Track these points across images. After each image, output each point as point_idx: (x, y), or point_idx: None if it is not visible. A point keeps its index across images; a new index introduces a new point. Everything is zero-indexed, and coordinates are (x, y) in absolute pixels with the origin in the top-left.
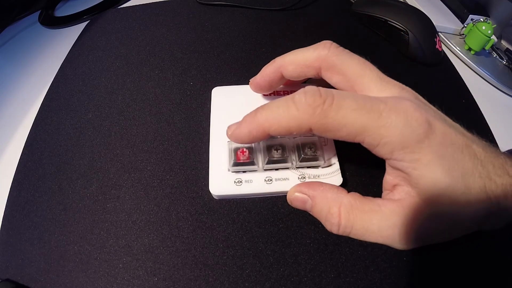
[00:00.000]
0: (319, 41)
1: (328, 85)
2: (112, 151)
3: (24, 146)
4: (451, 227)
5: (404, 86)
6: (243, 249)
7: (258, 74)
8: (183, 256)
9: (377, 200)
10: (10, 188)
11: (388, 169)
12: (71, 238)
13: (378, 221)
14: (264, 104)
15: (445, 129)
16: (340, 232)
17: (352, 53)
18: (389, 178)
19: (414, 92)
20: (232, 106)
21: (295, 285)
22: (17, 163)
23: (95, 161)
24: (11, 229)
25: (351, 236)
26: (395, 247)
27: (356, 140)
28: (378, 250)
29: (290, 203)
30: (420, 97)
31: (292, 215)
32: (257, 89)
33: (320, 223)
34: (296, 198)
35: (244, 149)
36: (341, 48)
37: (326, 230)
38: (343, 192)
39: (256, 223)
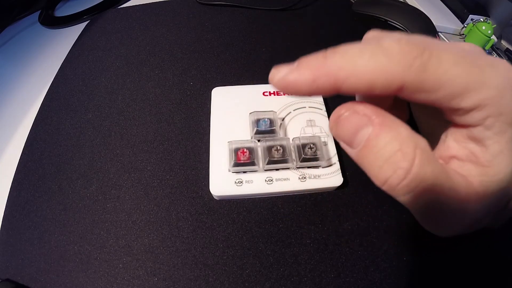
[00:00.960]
0: (319, 41)
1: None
2: (112, 151)
3: (24, 146)
4: (498, 216)
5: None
6: (243, 249)
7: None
8: (183, 256)
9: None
10: (10, 188)
11: (457, 135)
12: (71, 238)
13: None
14: (337, 48)
15: None
16: (402, 185)
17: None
18: (453, 145)
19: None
20: (232, 106)
21: (295, 285)
22: (17, 163)
23: (95, 161)
24: (11, 229)
25: (405, 198)
26: (439, 235)
27: (454, 103)
28: (378, 250)
29: (332, 128)
30: None
31: (292, 215)
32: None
33: (321, 224)
34: (350, 119)
35: (245, 150)
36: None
37: (326, 230)
38: (419, 135)
39: (256, 223)
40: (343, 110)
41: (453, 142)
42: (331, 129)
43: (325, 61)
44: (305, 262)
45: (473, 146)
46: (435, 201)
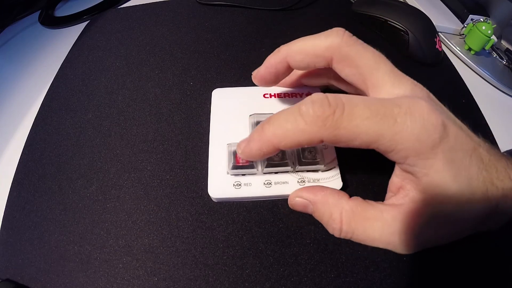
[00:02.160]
0: None
1: (336, 76)
2: (112, 151)
3: (24, 146)
4: (451, 231)
5: (416, 82)
6: (243, 249)
7: (262, 66)
8: (183, 256)
9: (379, 205)
10: (10, 188)
11: (396, 171)
12: (71, 238)
13: (379, 228)
14: (270, 118)
15: (457, 131)
16: (342, 236)
17: (365, 44)
18: (396, 180)
19: (425, 89)
20: (232, 108)
21: (295, 285)
22: (17, 163)
23: (95, 161)
24: (11, 229)
25: (352, 240)
26: (397, 252)
27: (370, 147)
28: (378, 250)
29: (291, 207)
30: (431, 95)
31: (292, 215)
32: (261, 82)
33: (320, 224)
34: (297, 203)
35: None
36: (355, 37)
37: (326, 230)
38: (344, 197)
39: (256, 223)
40: (294, 195)
41: (399, 174)
42: (290, 206)
43: (262, 133)
44: (305, 262)
45: (410, 177)
46: (369, 233)
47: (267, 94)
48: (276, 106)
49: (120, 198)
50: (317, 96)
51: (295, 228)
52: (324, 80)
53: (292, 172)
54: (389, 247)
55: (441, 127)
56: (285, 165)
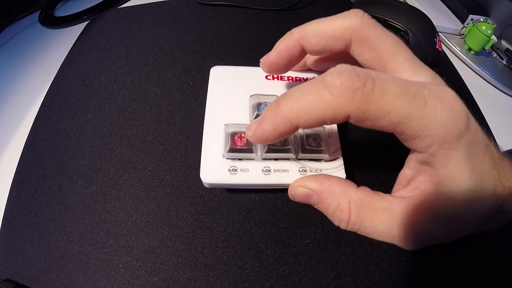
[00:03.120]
0: None
1: (350, 60)
2: (112, 151)
3: (24, 146)
4: (458, 228)
5: (434, 72)
6: (243, 249)
7: (272, 51)
8: (183, 256)
9: (388, 196)
10: (10, 188)
11: (410, 163)
12: (71, 238)
13: (388, 220)
14: (286, 92)
15: (476, 125)
16: (349, 228)
17: (385, 28)
18: (408, 172)
19: (443, 80)
20: (232, 88)
21: (295, 285)
22: (17, 163)
23: (95, 161)
24: (11, 229)
25: (359, 232)
26: (401, 247)
27: (397, 130)
28: (378, 250)
29: (291, 198)
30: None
31: (292, 215)
32: (272, 69)
33: (321, 224)
34: (300, 193)
35: (242, 134)
36: (374, 20)
37: (326, 230)
38: (352, 187)
39: (256, 223)
40: (296, 184)
41: (414, 166)
42: (291, 197)
43: (278, 109)
44: (305, 262)
45: (426, 169)
46: (377, 225)
47: (270, 75)
48: (280, 88)
49: (120, 198)
50: (344, 67)
51: (295, 228)
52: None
53: (293, 160)
54: (395, 241)
55: (466, 117)
56: (287, 151)
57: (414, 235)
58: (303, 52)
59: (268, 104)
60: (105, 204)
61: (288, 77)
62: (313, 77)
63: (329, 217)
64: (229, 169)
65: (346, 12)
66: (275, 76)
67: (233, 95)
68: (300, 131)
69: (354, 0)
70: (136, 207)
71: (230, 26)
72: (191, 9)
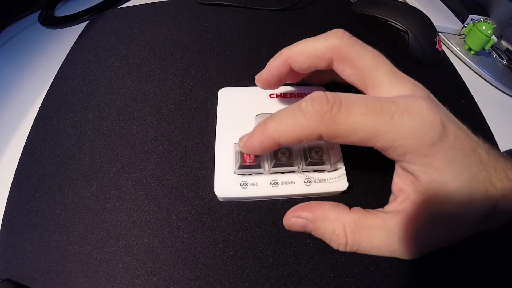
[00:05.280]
0: None
1: (338, 77)
2: (112, 151)
3: (24, 146)
4: (452, 232)
5: (417, 83)
6: (243, 249)
7: (264, 69)
8: (183, 256)
9: (381, 214)
10: (10, 188)
11: (397, 170)
12: (71, 238)
13: (384, 236)
14: (273, 114)
15: (456, 131)
16: (348, 250)
17: (365, 44)
18: (397, 180)
19: (426, 89)
20: (239, 108)
21: (295, 285)
22: (17, 163)
23: (95, 161)
24: (11, 229)
25: (358, 252)
26: (402, 258)
27: (368, 144)
28: None
29: (288, 228)
30: (432, 96)
31: None
32: (264, 85)
33: None
34: (295, 224)
35: None
36: (354, 38)
37: None
38: (345, 210)
39: (256, 223)
40: (290, 215)
41: (400, 173)
42: (287, 227)
43: (264, 128)
44: (305, 262)
45: (410, 177)
46: (374, 243)
47: (273, 94)
48: (282, 105)
49: (120, 198)
50: (317, 94)
51: None
52: (328, 78)
53: (298, 172)
54: (395, 255)
55: (440, 126)
56: (292, 165)
57: (413, 246)
58: (291, 70)
59: None
60: (105, 204)
61: (290, 94)
62: (314, 91)
63: (327, 242)
64: (240, 184)
65: (328, 32)
66: (278, 94)
67: (240, 115)
68: (303, 145)
69: (354, 0)
70: (136, 207)
71: (230, 26)
72: (191, 9)
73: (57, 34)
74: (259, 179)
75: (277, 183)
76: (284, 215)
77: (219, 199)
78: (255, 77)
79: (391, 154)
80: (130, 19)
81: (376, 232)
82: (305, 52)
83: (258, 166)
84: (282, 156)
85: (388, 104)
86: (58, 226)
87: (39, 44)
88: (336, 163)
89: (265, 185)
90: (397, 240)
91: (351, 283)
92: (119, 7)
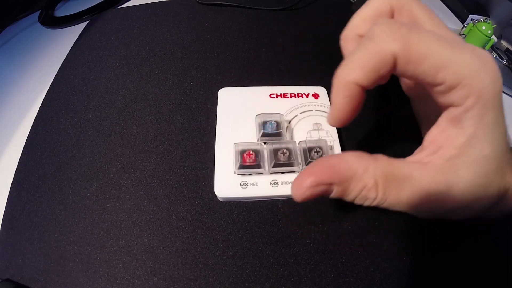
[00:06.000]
0: (319, 41)
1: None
2: (112, 151)
3: (24, 146)
4: (470, 203)
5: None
6: (243, 249)
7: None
8: (183, 256)
9: (407, 163)
10: (10, 188)
11: (441, 121)
12: (71, 238)
13: (408, 189)
14: (342, 63)
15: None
16: (373, 204)
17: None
18: (435, 131)
19: None
20: (239, 108)
21: (295, 285)
22: (17, 163)
23: (95, 161)
24: (11, 229)
25: (381, 207)
26: (417, 216)
27: (439, 77)
28: (378, 250)
29: (300, 201)
30: None
31: (292, 215)
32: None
33: (321, 224)
34: (314, 193)
35: (251, 152)
36: None
37: (326, 230)
38: (370, 159)
39: (256, 223)
40: (308, 184)
41: (435, 129)
42: (299, 199)
43: (337, 78)
44: (305, 262)
45: (451, 130)
46: (400, 198)
47: (273, 94)
48: (283, 105)
49: (120, 198)
50: (380, 20)
51: (295, 228)
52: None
53: (298, 172)
54: (413, 211)
55: (500, 79)
56: (292, 165)
57: (429, 204)
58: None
59: (273, 122)
60: (105, 204)
61: (290, 93)
62: (314, 93)
63: (350, 200)
64: (240, 184)
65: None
66: (278, 94)
67: (240, 115)
68: (303, 145)
69: (354, 0)
70: (136, 207)
71: (230, 26)
72: (191, 9)
73: (57, 34)
74: (259, 179)
75: (277, 183)
76: (284, 215)
77: (219, 199)
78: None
79: (453, 96)
80: (130, 19)
81: (403, 184)
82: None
83: (258, 166)
84: (282, 156)
85: (458, 40)
86: (58, 226)
87: (39, 44)
88: None
89: (265, 185)
90: (417, 194)
91: (351, 283)
92: (119, 7)
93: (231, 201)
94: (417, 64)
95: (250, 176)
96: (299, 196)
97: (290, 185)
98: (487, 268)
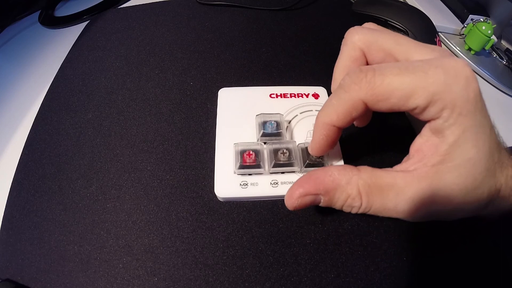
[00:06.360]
0: (319, 41)
1: None
2: (112, 151)
3: (24, 146)
4: (458, 204)
5: (441, 48)
6: (243, 249)
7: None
8: (183, 256)
9: (391, 172)
10: (10, 188)
11: (424, 131)
12: (71, 238)
13: (394, 196)
14: (320, 110)
15: (484, 103)
16: (359, 212)
17: (381, 30)
18: (419, 141)
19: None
20: (239, 108)
21: (295, 285)
22: (17, 163)
23: (95, 161)
24: (11, 229)
25: (368, 213)
26: (406, 220)
27: (409, 105)
28: (378, 250)
29: (293, 209)
30: None
31: (292, 215)
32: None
33: (321, 224)
34: (303, 203)
35: (251, 152)
36: (366, 28)
37: (326, 230)
38: (354, 171)
39: (256, 223)
40: (297, 194)
41: (419, 138)
42: (291, 208)
43: (318, 120)
44: (305, 262)
45: (434, 139)
46: (386, 204)
47: (273, 94)
48: (282, 105)
49: (120, 198)
50: (352, 69)
51: (295, 228)
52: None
53: (298, 172)
54: (401, 216)
55: (475, 83)
56: (292, 165)
57: (418, 208)
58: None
59: (273, 122)
60: (105, 204)
61: (290, 94)
62: (314, 93)
63: (338, 208)
64: (240, 184)
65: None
66: (278, 94)
67: (240, 115)
68: (303, 145)
69: (354, 0)
70: (136, 207)
71: (230, 26)
72: (191, 9)
73: (57, 34)
74: (259, 179)
75: (277, 183)
76: (284, 215)
77: (219, 199)
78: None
79: (430, 113)
80: (130, 19)
81: (388, 192)
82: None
83: (258, 166)
84: (282, 156)
85: (419, 63)
86: (58, 226)
87: (39, 44)
88: (336, 163)
89: (265, 185)
90: (406, 200)
91: (351, 283)
92: (119, 7)
93: (231, 201)
94: (385, 101)
95: (250, 176)
96: (290, 205)
97: (290, 185)
98: (486, 268)
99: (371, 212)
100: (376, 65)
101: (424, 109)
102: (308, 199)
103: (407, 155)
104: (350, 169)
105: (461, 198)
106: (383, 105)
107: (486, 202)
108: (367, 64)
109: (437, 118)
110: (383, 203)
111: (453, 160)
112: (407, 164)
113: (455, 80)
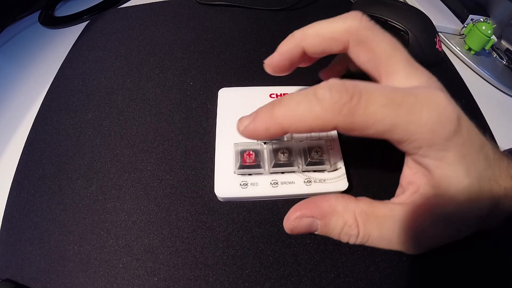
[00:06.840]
0: None
1: (351, 65)
2: (112, 151)
3: (24, 146)
4: (459, 228)
5: (431, 75)
6: (243, 249)
7: (275, 53)
8: (183, 256)
9: (389, 204)
10: (10, 188)
11: (408, 163)
12: (71, 238)
13: (392, 226)
14: (281, 98)
15: (469, 127)
16: (358, 242)
17: (383, 30)
18: (407, 173)
19: (439, 82)
20: (239, 108)
21: (295, 285)
22: (17, 163)
23: (95, 161)
24: (11, 229)
25: (367, 244)
26: (408, 253)
27: (384, 137)
28: (378, 250)
29: (290, 233)
30: (445, 89)
31: None
32: (275, 70)
33: None
34: (300, 225)
35: (251, 152)
36: (373, 22)
37: None
38: (352, 200)
39: (256, 223)
40: (293, 218)
41: (412, 166)
42: (289, 231)
43: (272, 113)
44: (305, 262)
45: (422, 171)
46: (383, 234)
47: (273, 94)
48: None
49: (120, 198)
50: (335, 81)
51: None
52: (342, 70)
53: (298, 172)
54: (403, 248)
55: (456, 120)
56: (292, 165)
57: (417, 239)
58: (304, 54)
59: None
60: (105, 204)
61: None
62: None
63: (336, 237)
64: (240, 184)
65: (345, 14)
66: (278, 94)
67: (240, 115)
68: (303, 145)
69: (354, 0)
70: (136, 207)
71: (230, 26)
72: (191, 9)
73: (57, 34)
74: (259, 179)
75: (277, 183)
76: (284, 215)
77: (219, 199)
78: (264, 61)
79: (405, 147)
80: (130, 19)
81: (386, 223)
82: (320, 34)
83: (258, 166)
84: (282, 156)
85: (407, 96)
86: (58, 226)
87: (39, 44)
88: (336, 163)
89: (265, 185)
90: (402, 232)
91: (351, 283)
92: (119, 7)
93: (231, 201)
94: (361, 132)
95: (250, 176)
96: (287, 226)
97: (290, 185)
98: (486, 268)
99: (369, 242)
100: (363, 85)
101: (400, 144)
102: (304, 222)
103: (400, 187)
104: (348, 197)
105: (459, 223)
106: (355, 134)
107: (485, 217)
108: (343, 50)
109: (415, 154)
110: (381, 233)
111: (447, 192)
112: (404, 196)
113: (437, 119)
